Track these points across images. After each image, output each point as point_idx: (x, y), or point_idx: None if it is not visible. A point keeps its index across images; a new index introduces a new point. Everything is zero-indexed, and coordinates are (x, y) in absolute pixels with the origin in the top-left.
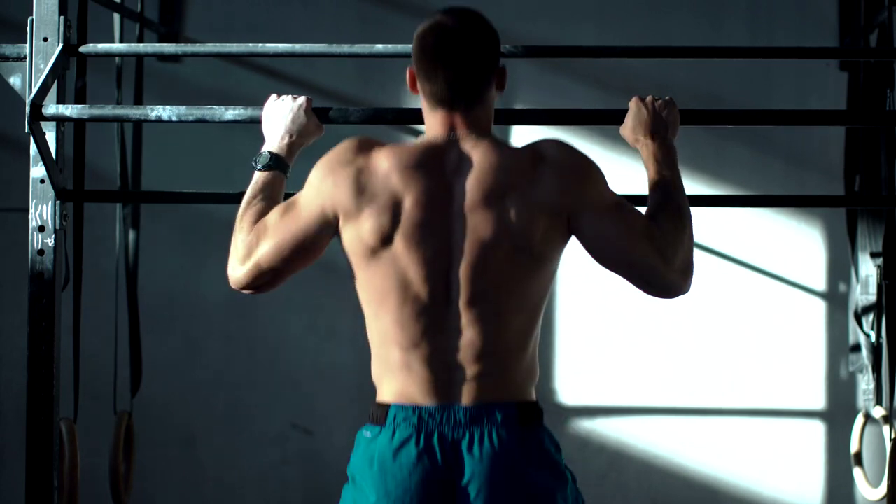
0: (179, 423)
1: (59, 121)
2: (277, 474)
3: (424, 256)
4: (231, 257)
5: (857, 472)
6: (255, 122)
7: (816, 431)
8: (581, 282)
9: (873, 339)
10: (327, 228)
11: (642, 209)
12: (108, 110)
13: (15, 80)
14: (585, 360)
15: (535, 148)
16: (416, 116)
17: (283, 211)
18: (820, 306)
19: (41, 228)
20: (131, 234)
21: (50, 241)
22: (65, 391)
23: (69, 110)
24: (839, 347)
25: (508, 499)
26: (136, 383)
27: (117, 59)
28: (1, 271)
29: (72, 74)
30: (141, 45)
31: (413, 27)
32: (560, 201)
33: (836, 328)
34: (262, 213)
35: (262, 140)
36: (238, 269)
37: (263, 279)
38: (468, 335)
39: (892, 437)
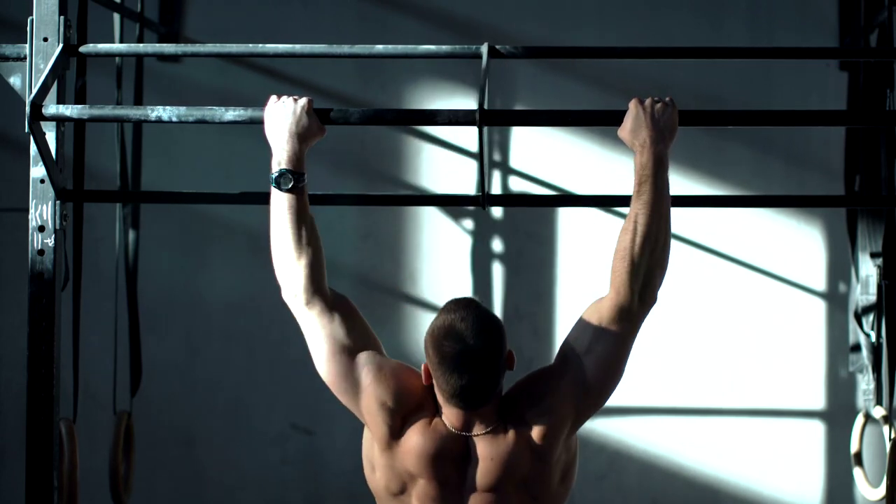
0: (179, 423)
1: (59, 121)
2: (277, 474)
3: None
4: (282, 285)
5: (857, 472)
6: (255, 123)
7: (816, 431)
8: (581, 282)
9: (873, 339)
10: (355, 393)
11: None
12: (108, 110)
13: (15, 80)
14: None
15: (514, 397)
16: (416, 117)
17: (357, 330)
18: (820, 306)
19: (41, 228)
20: (131, 234)
21: (50, 241)
22: (65, 391)
23: (69, 110)
24: (839, 347)
25: None
26: (136, 383)
27: (117, 59)
28: (1, 271)
29: (72, 74)
30: (141, 45)
31: (413, 27)
32: (566, 422)
33: (836, 328)
34: (301, 233)
35: (262, 140)
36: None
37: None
38: None
39: (892, 437)
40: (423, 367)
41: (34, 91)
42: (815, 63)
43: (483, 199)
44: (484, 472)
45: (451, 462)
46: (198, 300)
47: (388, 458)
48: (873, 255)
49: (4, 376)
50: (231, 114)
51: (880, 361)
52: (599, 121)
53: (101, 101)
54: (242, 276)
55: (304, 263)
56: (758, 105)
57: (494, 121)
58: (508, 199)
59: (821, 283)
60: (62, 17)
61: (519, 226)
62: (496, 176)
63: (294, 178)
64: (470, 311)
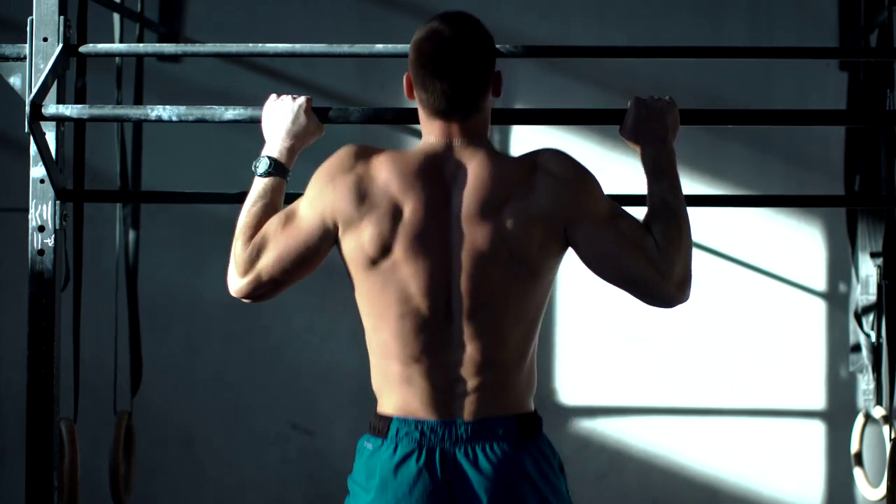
0: (179, 423)
1: (59, 121)
2: (277, 474)
3: (424, 268)
4: (231, 267)
5: (857, 472)
6: (255, 122)
7: (816, 431)
8: (581, 282)
9: (873, 339)
10: (327, 238)
11: (642, 210)
12: (108, 110)
13: (15, 80)
14: (585, 360)
15: (532, 158)
16: (416, 117)
17: (282, 221)
18: (820, 306)
19: (41, 228)
20: (131, 234)
21: (50, 241)
22: (65, 391)
23: (69, 110)
24: (839, 347)
25: None
26: (136, 383)
27: (117, 59)
28: (1, 271)
29: (72, 74)
30: (141, 45)
31: (413, 27)
32: (556, 212)
33: (836, 328)
34: (262, 221)
35: (262, 140)
36: (238, 281)
37: (263, 289)
38: (469, 349)
39: (892, 437)
40: (405, 77)
41: (34, 91)
42: (815, 63)
43: None
44: (470, 191)
45: (435, 180)
46: (198, 300)
47: (370, 216)
48: (873, 255)
49: (4, 376)
50: (231, 113)
51: (880, 361)
52: (599, 119)
53: (101, 101)
54: None
55: (258, 266)
56: (758, 105)
57: (494, 119)
58: None
59: (821, 283)
60: (62, 17)
61: None
62: None
63: (271, 165)
64: (455, 15)
